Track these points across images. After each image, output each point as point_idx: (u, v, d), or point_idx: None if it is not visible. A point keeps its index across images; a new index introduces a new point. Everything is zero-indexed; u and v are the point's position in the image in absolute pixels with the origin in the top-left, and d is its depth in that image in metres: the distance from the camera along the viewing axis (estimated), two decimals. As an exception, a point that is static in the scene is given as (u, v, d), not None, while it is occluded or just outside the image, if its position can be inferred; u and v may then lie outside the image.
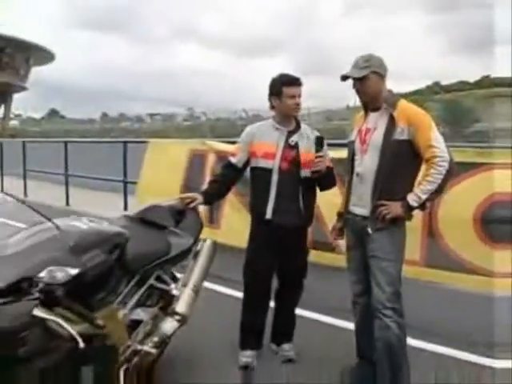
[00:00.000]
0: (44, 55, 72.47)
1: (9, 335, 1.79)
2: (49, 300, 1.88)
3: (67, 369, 2.11)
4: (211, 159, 5.95)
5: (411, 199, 2.90)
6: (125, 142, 7.62)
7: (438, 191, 2.91)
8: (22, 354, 1.85)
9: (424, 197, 2.89)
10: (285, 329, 3.78)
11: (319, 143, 3.35)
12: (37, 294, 1.84)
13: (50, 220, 2.07)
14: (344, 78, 3.05)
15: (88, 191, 9.30)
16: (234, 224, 5.07)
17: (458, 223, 4.37)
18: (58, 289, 1.88)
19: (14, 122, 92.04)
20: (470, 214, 4.28)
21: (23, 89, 75.35)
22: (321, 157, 3.31)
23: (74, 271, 1.95)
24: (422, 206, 2.97)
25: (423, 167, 3.00)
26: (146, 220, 3.13)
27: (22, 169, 11.14)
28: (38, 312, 1.86)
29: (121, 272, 2.64)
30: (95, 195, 9.04)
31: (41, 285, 1.85)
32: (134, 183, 7.20)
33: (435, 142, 2.86)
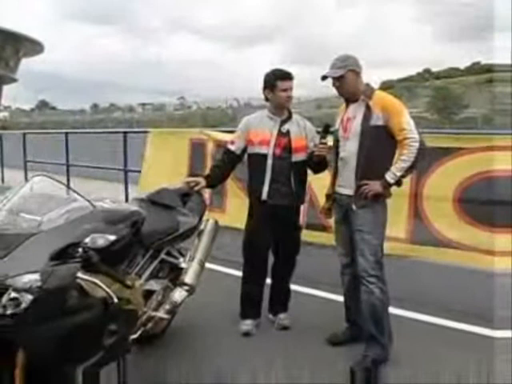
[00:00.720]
0: (34, 47, 71.96)
1: (57, 293, 2.16)
2: (89, 263, 2.26)
3: (97, 325, 2.49)
4: (210, 148, 6.31)
5: (389, 177, 3.28)
6: (125, 132, 7.94)
7: (411, 168, 3.30)
8: (65, 310, 2.23)
9: (399, 174, 3.27)
10: (281, 300, 4.17)
11: (325, 131, 3.68)
12: (80, 259, 2.22)
13: (86, 199, 2.45)
14: (324, 77, 3.44)
15: (89, 181, 9.59)
16: (236, 208, 5.41)
17: (440, 203, 4.73)
18: (98, 254, 2.26)
19: (4, 114, 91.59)
20: (450, 194, 4.65)
21: (13, 80, 74.88)
22: (324, 143, 3.66)
23: (111, 237, 2.33)
24: (398, 183, 3.34)
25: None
26: (156, 202, 3.50)
27: (18, 160, 11.37)
28: (81, 274, 2.25)
29: (137, 246, 3.01)
30: (96, 184, 9.35)
31: (84, 250, 2.22)
32: (135, 172, 7.56)
33: (406, 125, 3.24)
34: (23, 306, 2.05)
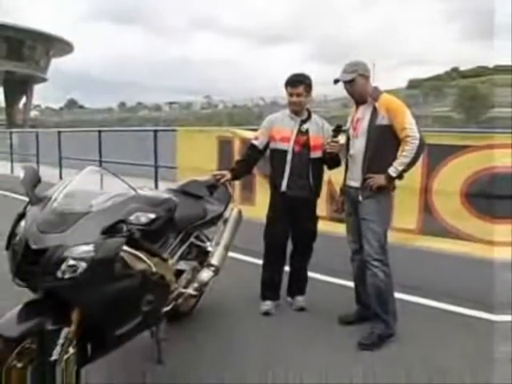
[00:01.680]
0: (63, 47, 73.60)
1: (106, 261, 2.60)
2: (132, 239, 2.70)
3: (137, 293, 2.94)
4: (237, 145, 6.73)
5: (391, 171, 3.65)
6: (155, 131, 8.41)
7: (412, 163, 3.67)
8: (112, 276, 2.68)
9: (401, 168, 3.65)
10: (298, 284, 4.57)
11: (337, 131, 4.06)
12: (126, 233, 2.66)
13: (129, 185, 2.91)
14: (336, 81, 3.82)
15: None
16: (264, 202, 5.80)
17: (448, 196, 5.07)
18: (140, 230, 2.70)
19: (34, 113, 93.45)
20: (457, 188, 4.98)
21: (43, 80, 76.63)
22: (336, 142, 4.04)
23: (152, 216, 2.75)
24: (399, 177, 3.72)
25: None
26: (186, 191, 3.93)
27: (51, 157, 11.88)
28: (125, 247, 2.70)
29: (170, 230, 3.44)
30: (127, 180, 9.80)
31: (129, 226, 2.66)
32: (166, 167, 8.04)
33: (408, 124, 3.62)
34: (79, 271, 2.50)
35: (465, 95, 54.68)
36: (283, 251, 4.43)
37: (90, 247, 2.53)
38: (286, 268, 4.56)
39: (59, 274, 2.48)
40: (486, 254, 4.77)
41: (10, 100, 74.73)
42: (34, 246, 2.50)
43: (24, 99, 75.71)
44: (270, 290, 4.46)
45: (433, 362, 3.52)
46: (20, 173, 2.87)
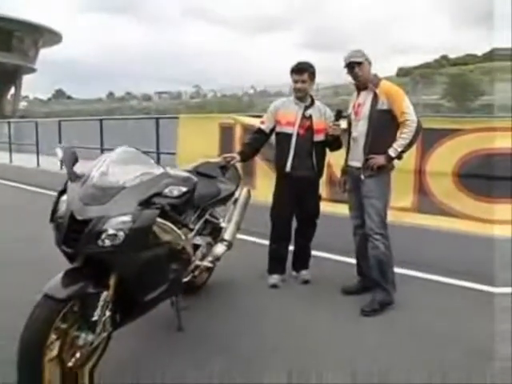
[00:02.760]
0: (52, 37, 72.99)
1: (142, 231, 2.91)
2: (163, 211, 3.01)
3: (165, 262, 3.25)
4: (238, 131, 7.03)
5: (391, 151, 3.98)
6: (157, 118, 8.71)
7: (410, 145, 4.02)
8: (147, 245, 2.98)
9: (400, 149, 3.98)
10: (303, 258, 4.90)
11: (338, 115, 4.43)
12: (159, 206, 2.97)
13: (158, 164, 3.22)
14: (348, 64, 4.08)
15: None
16: (264, 185, 6.03)
17: (442, 176, 5.40)
18: (168, 202, 3.02)
19: (23, 104, 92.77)
20: (450, 169, 5.31)
21: (32, 70, 76.05)
22: (337, 125, 4.40)
23: (184, 189, 3.04)
24: (398, 157, 4.04)
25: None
26: (200, 172, 4.23)
27: (48, 147, 12.03)
28: (159, 218, 3.01)
29: (190, 206, 3.74)
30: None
31: (163, 199, 2.97)
32: (167, 153, 8.32)
33: (406, 109, 3.95)
34: (118, 240, 2.79)
35: (454, 83, 54.96)
36: (288, 228, 4.74)
37: (128, 218, 2.83)
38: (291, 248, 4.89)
39: (100, 242, 2.77)
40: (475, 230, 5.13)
41: (-1, 91, 74.30)
42: (78, 217, 2.80)
43: (13, 90, 75.23)
44: (276, 264, 4.78)
45: (427, 324, 3.87)
46: (58, 152, 3.15)
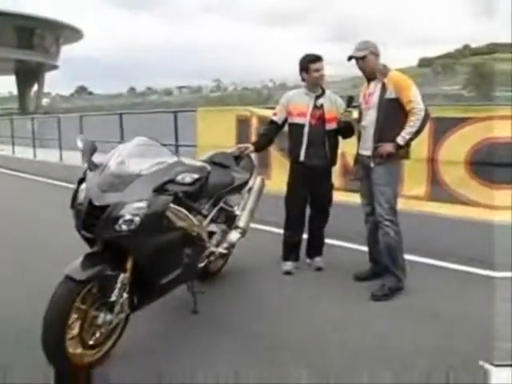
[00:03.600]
0: (73, 34, 73.89)
1: (157, 216, 3.06)
2: (177, 197, 3.16)
3: (179, 246, 3.40)
4: (254, 122, 7.16)
5: (399, 139, 4.05)
6: (175, 112, 8.86)
7: (418, 132, 4.07)
8: (161, 229, 3.14)
9: (408, 137, 4.05)
10: (316, 246, 5.01)
11: (349, 101, 4.51)
12: (172, 192, 3.12)
13: (171, 152, 3.38)
14: (350, 58, 4.21)
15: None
16: (279, 176, 6.13)
17: (454, 165, 5.45)
18: (183, 191, 3.17)
19: (45, 100, 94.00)
20: (462, 157, 5.36)
21: (54, 67, 77.10)
22: (349, 112, 4.48)
23: (195, 176, 3.19)
24: (407, 145, 4.12)
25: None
26: (214, 162, 4.36)
27: (71, 142, 12.26)
28: (172, 204, 3.16)
29: (204, 194, 3.88)
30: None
31: (176, 186, 3.12)
32: (186, 146, 8.48)
33: (414, 97, 4.02)
34: (134, 224, 2.95)
35: (476, 72, 54.38)
36: (302, 216, 4.86)
37: (144, 204, 2.99)
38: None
39: (118, 227, 2.93)
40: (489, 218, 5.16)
41: (22, 88, 75.45)
42: (96, 203, 2.97)
43: (35, 87, 76.36)
44: (290, 251, 4.90)
45: (438, 308, 3.96)
46: (79, 143, 3.32)
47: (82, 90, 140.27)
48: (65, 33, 71.79)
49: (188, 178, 3.15)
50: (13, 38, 65.03)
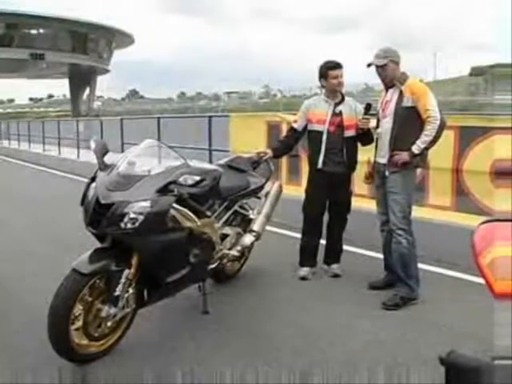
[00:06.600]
0: (125, 39, 75.50)
1: (160, 215, 3.17)
2: (181, 198, 3.26)
3: (185, 245, 3.49)
4: (284, 128, 7.19)
5: (414, 148, 4.01)
6: (210, 117, 9.05)
7: (434, 141, 4.02)
8: (165, 228, 3.24)
9: (423, 146, 4.01)
10: (334, 252, 5.01)
11: (367, 109, 4.52)
12: (176, 193, 3.23)
13: (179, 155, 3.48)
14: (369, 65, 4.21)
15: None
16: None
17: (480, 176, 5.35)
18: (187, 191, 3.26)
19: (97, 103, 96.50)
20: (488, 168, 5.26)
21: (106, 71, 79.01)
22: (367, 119, 4.49)
23: (197, 178, 3.30)
24: (422, 154, 4.07)
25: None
26: (231, 166, 4.45)
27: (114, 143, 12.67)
28: (175, 204, 3.26)
29: (216, 197, 3.97)
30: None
31: (179, 187, 3.23)
32: (219, 151, 8.62)
33: (430, 106, 3.98)
34: (138, 223, 3.08)
35: (530, 82, 52.68)
36: (320, 222, 4.88)
37: (147, 203, 3.11)
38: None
39: (123, 225, 3.06)
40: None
41: (75, 91, 77.54)
42: (102, 201, 3.12)
43: (88, 90, 78.38)
44: (307, 257, 4.92)
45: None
46: (92, 144, 3.47)
47: (133, 93, 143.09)
48: (117, 38, 73.48)
49: (190, 179, 3.26)
50: (68, 43, 67.02)
